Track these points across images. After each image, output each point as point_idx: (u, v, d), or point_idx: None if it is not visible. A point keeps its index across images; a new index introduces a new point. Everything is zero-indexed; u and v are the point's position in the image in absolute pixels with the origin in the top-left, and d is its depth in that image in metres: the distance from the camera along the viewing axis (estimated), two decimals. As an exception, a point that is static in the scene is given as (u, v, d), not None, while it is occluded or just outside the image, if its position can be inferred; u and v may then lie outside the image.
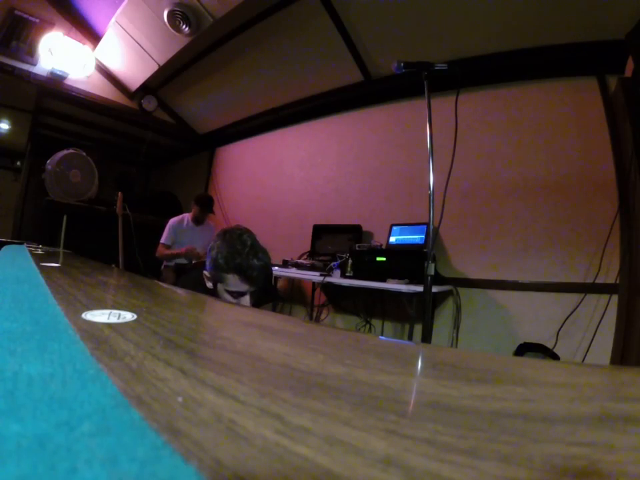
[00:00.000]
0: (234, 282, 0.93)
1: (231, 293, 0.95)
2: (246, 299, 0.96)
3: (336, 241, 2.58)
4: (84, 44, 3.06)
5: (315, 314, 2.70)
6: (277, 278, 2.69)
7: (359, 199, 2.74)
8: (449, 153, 1.32)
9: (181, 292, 0.75)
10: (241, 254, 0.92)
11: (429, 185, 1.25)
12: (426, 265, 1.25)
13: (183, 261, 2.72)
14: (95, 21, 3.04)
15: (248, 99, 3.31)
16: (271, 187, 3.42)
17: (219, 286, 0.95)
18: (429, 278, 1.25)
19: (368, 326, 2.44)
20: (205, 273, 0.99)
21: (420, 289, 1.80)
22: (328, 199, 2.92)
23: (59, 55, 2.93)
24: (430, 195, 1.25)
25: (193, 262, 2.66)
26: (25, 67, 2.89)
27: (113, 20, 2.74)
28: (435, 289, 1.86)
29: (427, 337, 1.34)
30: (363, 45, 2.44)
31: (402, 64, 1.29)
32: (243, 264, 0.92)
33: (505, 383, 0.26)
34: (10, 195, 3.68)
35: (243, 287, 0.94)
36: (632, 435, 0.16)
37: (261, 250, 0.97)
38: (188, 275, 1.22)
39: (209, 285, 0.99)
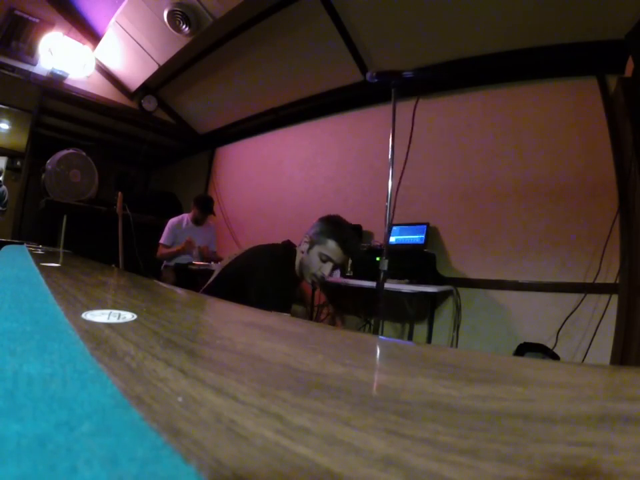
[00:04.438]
0: (332, 249, 1.23)
1: (322, 257, 1.22)
2: (331, 271, 1.25)
3: (336, 241, 2.57)
4: (84, 44, 3.06)
5: (314, 314, 2.70)
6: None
7: (359, 199, 2.74)
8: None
9: (180, 292, 0.75)
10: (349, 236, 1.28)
11: (387, 192, 1.38)
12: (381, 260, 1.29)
13: (182, 260, 2.72)
14: (95, 20, 3.04)
15: (248, 99, 3.31)
16: (271, 187, 3.42)
17: (316, 247, 1.22)
18: (382, 273, 1.28)
19: (368, 326, 2.44)
20: (305, 238, 1.28)
21: (420, 289, 1.80)
22: (328, 199, 2.92)
23: (59, 55, 2.93)
24: (388, 198, 1.38)
25: (194, 262, 2.65)
26: (25, 66, 2.89)
27: (112, 20, 2.74)
28: (435, 289, 1.86)
29: (376, 332, 1.41)
30: (363, 44, 2.43)
31: (374, 74, 1.31)
32: (349, 245, 1.25)
33: (505, 383, 0.26)
34: (10, 195, 3.68)
35: (337, 258, 1.23)
36: (632, 435, 0.16)
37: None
38: (234, 262, 1.38)
39: (304, 247, 1.27)
